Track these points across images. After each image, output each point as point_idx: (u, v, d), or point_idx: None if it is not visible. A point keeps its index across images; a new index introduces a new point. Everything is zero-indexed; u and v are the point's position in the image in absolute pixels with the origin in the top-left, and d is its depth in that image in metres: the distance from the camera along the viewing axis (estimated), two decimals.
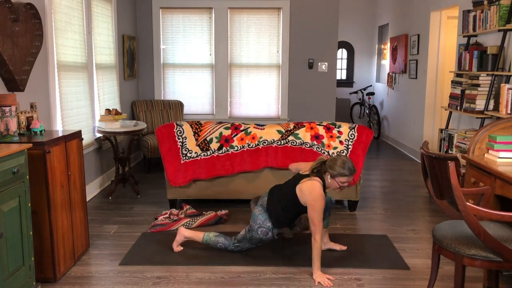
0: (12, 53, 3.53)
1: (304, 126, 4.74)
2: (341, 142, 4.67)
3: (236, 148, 4.66)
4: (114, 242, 3.99)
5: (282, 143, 4.65)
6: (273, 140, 4.67)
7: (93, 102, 5.54)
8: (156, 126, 6.94)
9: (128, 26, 6.95)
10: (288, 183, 3.53)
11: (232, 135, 4.70)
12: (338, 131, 4.72)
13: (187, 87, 7.55)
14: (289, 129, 4.73)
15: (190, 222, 4.34)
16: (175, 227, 4.26)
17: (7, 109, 3.17)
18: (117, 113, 5.26)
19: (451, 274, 3.39)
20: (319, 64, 7.46)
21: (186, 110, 7.52)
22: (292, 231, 3.86)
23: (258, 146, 4.66)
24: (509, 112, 4.44)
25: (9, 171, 2.68)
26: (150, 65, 7.48)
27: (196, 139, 4.70)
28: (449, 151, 5.41)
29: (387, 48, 9.54)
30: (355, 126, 4.77)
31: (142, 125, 5.50)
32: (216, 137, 4.69)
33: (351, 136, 4.69)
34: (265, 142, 4.67)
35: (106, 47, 5.93)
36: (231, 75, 7.53)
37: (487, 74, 4.93)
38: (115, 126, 5.16)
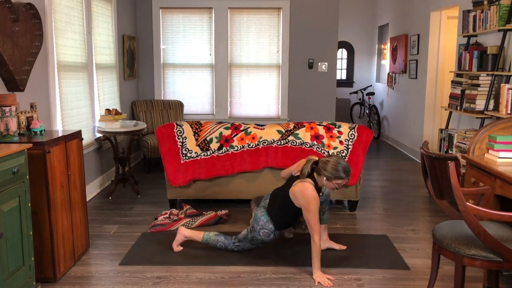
0: (12, 53, 3.53)
1: (304, 126, 4.74)
2: (341, 142, 4.67)
3: (236, 148, 4.66)
4: (114, 242, 3.99)
5: (282, 143, 4.65)
6: (273, 140, 4.67)
7: (93, 102, 5.54)
8: (156, 126, 6.94)
9: (128, 26, 6.95)
10: (284, 186, 3.55)
11: (232, 135, 4.70)
12: (338, 131, 4.72)
13: (187, 87, 7.55)
14: (289, 129, 4.73)
15: (190, 222, 4.34)
16: (175, 227, 4.26)
17: (7, 109, 3.17)
18: (117, 113, 5.26)
19: (451, 274, 3.39)
20: (319, 64, 7.46)
21: (186, 110, 7.52)
22: (296, 230, 3.87)
23: (258, 146, 4.66)
24: (509, 112, 4.44)
25: (9, 171, 2.68)
26: (150, 65, 7.48)
27: (196, 139, 4.71)
28: (449, 151, 5.41)
29: (387, 48, 9.54)
30: (355, 126, 4.77)
31: (142, 125, 5.50)
32: (216, 137, 4.69)
33: (351, 136, 4.69)
34: (265, 142, 4.67)
35: (106, 47, 5.93)
36: (231, 75, 7.53)
37: (487, 74, 4.93)
38: (115, 126, 5.16)
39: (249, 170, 4.65)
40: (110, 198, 5.24)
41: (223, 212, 4.55)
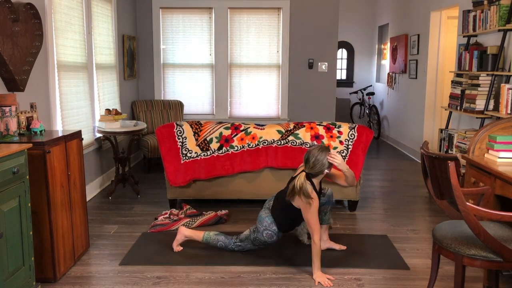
0: (12, 53, 3.53)
1: (304, 126, 4.74)
2: (341, 142, 4.67)
3: (236, 148, 4.66)
4: (114, 242, 3.99)
5: (282, 143, 4.65)
6: (273, 140, 4.67)
7: (93, 102, 5.54)
8: (156, 126, 6.94)
9: (128, 26, 6.95)
10: (285, 189, 3.55)
11: (232, 135, 4.70)
12: (338, 131, 4.72)
13: (187, 87, 7.55)
14: (289, 129, 4.73)
15: (190, 222, 4.34)
16: (175, 227, 4.26)
17: (7, 109, 3.17)
18: (117, 113, 5.26)
19: (451, 274, 3.39)
20: (319, 64, 7.46)
21: (186, 110, 7.52)
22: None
23: (258, 146, 4.66)
24: (509, 112, 4.44)
25: (9, 171, 2.68)
26: (150, 65, 7.48)
27: (196, 139, 4.71)
28: (449, 151, 5.41)
29: (387, 48, 9.54)
30: (355, 126, 4.77)
31: (142, 125, 5.50)
32: (216, 137, 4.69)
33: (351, 136, 4.69)
34: (265, 142, 4.67)
35: (106, 47, 5.93)
36: (231, 75, 7.53)
37: (487, 74, 4.93)
38: (115, 126, 5.16)
39: (249, 170, 4.65)
40: (110, 198, 5.24)
41: (223, 212, 4.55)
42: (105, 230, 4.26)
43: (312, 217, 3.28)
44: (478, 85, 4.97)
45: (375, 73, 10.47)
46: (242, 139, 4.68)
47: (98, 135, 5.47)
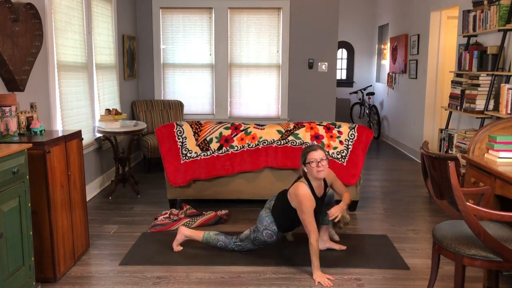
0: (12, 53, 3.53)
1: (304, 126, 4.74)
2: (341, 142, 4.67)
3: (236, 148, 4.66)
4: (114, 242, 3.99)
5: (282, 143, 4.65)
6: (273, 140, 4.67)
7: (93, 102, 5.54)
8: (156, 126, 6.94)
9: (128, 26, 6.95)
10: (286, 191, 3.58)
11: (232, 135, 4.70)
12: (338, 131, 4.72)
13: (187, 87, 7.55)
14: (289, 129, 4.73)
15: (190, 222, 4.34)
16: (175, 227, 4.26)
17: (7, 109, 3.17)
18: (117, 113, 5.26)
19: (451, 274, 3.39)
20: (319, 64, 7.46)
21: (186, 110, 7.52)
22: (336, 227, 3.91)
23: (258, 146, 4.66)
24: (509, 112, 4.44)
25: (9, 171, 2.68)
26: (150, 65, 7.48)
27: (196, 139, 4.70)
28: (449, 151, 5.41)
29: (387, 48, 9.54)
30: (355, 126, 4.77)
31: (142, 125, 5.50)
32: (216, 137, 4.69)
33: (351, 136, 4.69)
34: (265, 142, 4.67)
35: (106, 47, 5.93)
36: (231, 75, 7.53)
37: (487, 74, 4.93)
38: (115, 126, 5.16)
39: (249, 170, 4.65)
40: (110, 198, 5.24)
41: (223, 212, 4.55)
42: (105, 230, 4.26)
43: (307, 217, 3.29)
44: (478, 85, 4.97)
45: (375, 73, 10.47)
46: (242, 139, 4.68)
47: (98, 135, 5.47)
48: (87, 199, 5.12)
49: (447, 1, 6.43)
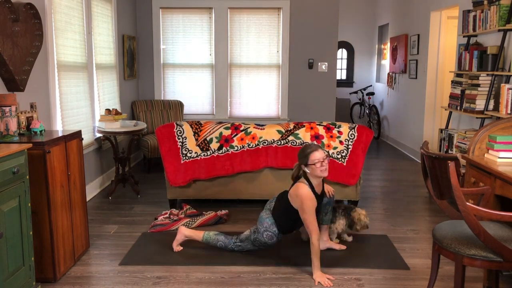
0: (12, 53, 3.53)
1: (304, 126, 4.74)
2: (341, 142, 4.67)
3: (236, 148, 4.66)
4: (114, 242, 3.99)
5: (282, 143, 4.65)
6: (273, 140, 4.67)
7: (93, 102, 5.54)
8: (156, 126, 6.94)
9: (128, 26, 6.95)
10: (286, 191, 3.57)
11: (232, 135, 4.70)
12: (338, 131, 4.72)
13: (187, 87, 7.55)
14: (289, 129, 4.73)
15: (190, 222, 4.34)
16: (175, 227, 4.26)
17: (7, 109, 3.17)
18: (117, 113, 5.26)
19: (451, 274, 3.39)
20: (319, 64, 7.46)
21: (186, 110, 7.52)
22: (352, 230, 3.91)
23: (258, 146, 4.66)
24: (509, 112, 4.44)
25: (9, 171, 2.68)
26: (150, 65, 7.48)
27: (196, 139, 4.70)
28: (449, 151, 5.41)
29: (387, 48, 9.54)
30: (355, 126, 4.77)
31: (142, 125, 5.50)
32: (216, 137, 4.69)
33: (351, 136, 4.69)
34: (265, 142, 4.67)
35: (106, 47, 5.93)
36: (231, 75, 7.53)
37: (487, 74, 4.93)
38: (115, 126, 5.16)
39: (249, 170, 4.65)
40: (110, 198, 5.24)
41: (223, 212, 4.55)
42: (105, 230, 4.26)
43: (308, 217, 3.29)
44: (478, 85, 4.97)
45: (375, 73, 10.47)
46: (242, 139, 4.68)
47: (98, 135, 5.47)
48: (87, 199, 5.12)
49: (447, 1, 6.43)
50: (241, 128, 4.75)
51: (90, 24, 5.36)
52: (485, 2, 5.04)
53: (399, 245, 3.96)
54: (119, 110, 6.42)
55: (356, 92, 10.44)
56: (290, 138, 4.66)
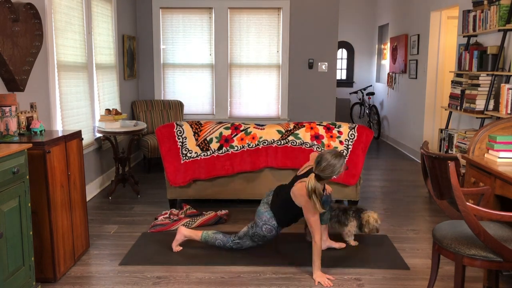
0: (12, 53, 3.53)
1: (304, 126, 4.74)
2: (341, 142, 4.67)
3: (236, 148, 4.66)
4: (114, 242, 3.99)
5: (282, 143, 4.65)
6: (273, 140, 4.67)
7: (93, 102, 5.54)
8: (156, 126, 6.94)
9: (128, 26, 6.95)
10: (288, 185, 3.55)
11: (232, 135, 4.70)
12: (338, 131, 4.72)
13: (187, 87, 7.55)
14: (289, 129, 4.73)
15: (190, 222, 4.34)
16: (175, 227, 4.26)
17: (7, 109, 3.17)
18: (117, 113, 5.26)
19: (451, 274, 3.39)
20: (319, 64, 7.46)
21: (186, 110, 7.52)
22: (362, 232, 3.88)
23: (258, 146, 4.66)
24: (509, 112, 4.44)
25: (9, 171, 2.68)
26: (150, 65, 7.48)
27: (196, 139, 4.71)
28: (449, 151, 5.41)
29: (387, 48, 9.54)
30: (355, 126, 4.77)
31: (142, 125, 5.50)
32: (216, 137, 4.69)
33: (351, 136, 4.69)
34: (265, 142, 4.67)
35: (106, 47, 5.93)
36: (231, 75, 7.53)
37: (487, 74, 4.93)
38: (115, 126, 5.16)
39: (249, 170, 4.65)
40: (110, 198, 5.24)
41: (223, 212, 4.55)
42: (105, 230, 4.26)
43: (312, 216, 3.28)
44: (478, 85, 4.97)
45: (375, 73, 10.47)
46: (242, 139, 4.68)
47: (98, 135, 5.47)
48: (87, 199, 5.12)
49: (447, 1, 6.43)
50: (241, 128, 4.75)
51: (90, 24, 5.36)
52: (485, 2, 5.04)
53: (399, 245, 3.96)
54: (119, 110, 6.42)
55: (356, 92, 10.44)
56: (290, 138, 4.66)
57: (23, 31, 3.67)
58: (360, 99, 10.51)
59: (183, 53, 7.48)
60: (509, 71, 4.75)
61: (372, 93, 10.15)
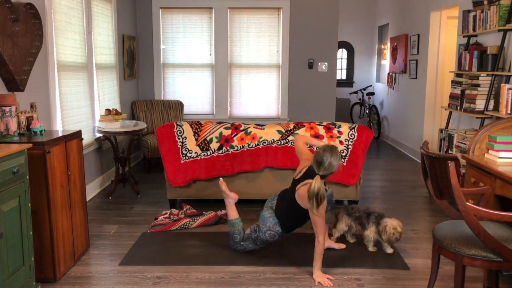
0: (12, 53, 3.53)
1: (304, 126, 4.74)
2: (341, 142, 4.67)
3: (236, 148, 4.66)
4: (114, 242, 3.99)
5: (282, 143, 4.65)
6: (273, 140, 4.67)
7: (93, 102, 5.54)
8: (156, 126, 6.94)
9: (128, 26, 6.95)
10: (289, 189, 3.55)
11: (232, 135, 4.70)
12: (338, 131, 4.72)
13: (187, 87, 7.55)
14: (289, 129, 4.73)
15: (190, 222, 4.34)
16: (175, 227, 4.26)
17: (7, 109, 3.17)
18: (117, 113, 5.26)
19: (451, 274, 3.39)
20: (319, 64, 7.46)
21: (186, 110, 7.52)
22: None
23: (258, 146, 4.66)
24: (509, 112, 4.44)
25: (9, 171, 2.68)
26: (150, 65, 7.48)
27: (196, 139, 4.71)
28: (449, 151, 5.41)
29: (387, 48, 9.54)
30: (355, 126, 4.77)
31: (142, 125, 5.50)
32: (216, 137, 4.69)
33: (351, 136, 4.69)
34: (265, 142, 4.67)
35: (106, 47, 5.93)
36: (231, 75, 7.53)
37: (487, 74, 4.93)
38: (115, 126, 5.16)
39: (249, 170, 4.65)
40: (110, 198, 5.24)
41: (223, 212, 4.54)
42: (105, 230, 4.26)
43: (320, 218, 3.29)
44: (478, 85, 4.97)
45: (375, 73, 10.47)
46: (242, 139, 4.68)
47: (98, 135, 5.47)
48: (87, 199, 5.12)
49: (447, 1, 6.43)
50: (241, 128, 4.75)
51: (90, 24, 5.36)
52: (485, 2, 5.04)
53: (399, 245, 3.96)
54: (119, 110, 6.42)
55: (356, 92, 10.44)
56: (290, 138, 4.66)
57: (23, 31, 3.67)
58: (360, 99, 10.51)
59: (183, 53, 7.48)
60: (509, 71, 4.75)
61: (372, 93, 10.15)
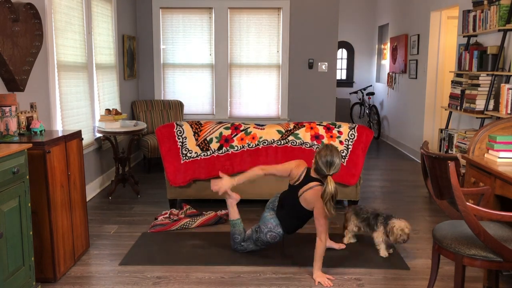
0: (12, 53, 3.53)
1: (304, 126, 4.74)
2: (341, 142, 4.67)
3: (236, 148, 4.66)
4: (114, 242, 3.99)
5: (282, 143, 4.65)
6: (273, 140, 4.67)
7: (93, 102, 5.54)
8: (156, 126, 6.94)
9: (128, 26, 6.95)
10: (290, 195, 3.51)
11: (232, 135, 4.70)
12: (338, 131, 4.72)
13: (187, 87, 7.55)
14: (289, 129, 4.73)
15: (190, 222, 4.34)
16: (175, 227, 4.26)
17: (7, 109, 3.17)
18: (117, 113, 5.26)
19: (451, 274, 3.39)
20: (319, 64, 7.46)
21: (186, 110, 7.52)
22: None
23: (258, 146, 4.66)
24: (509, 112, 4.44)
25: (9, 171, 2.68)
26: (150, 65, 7.48)
27: (196, 139, 4.70)
28: (449, 151, 5.41)
29: (387, 48, 9.54)
30: (355, 126, 4.77)
31: (142, 125, 5.50)
32: (216, 137, 4.69)
33: (351, 136, 4.69)
34: (265, 142, 4.67)
35: (106, 47, 5.93)
36: (231, 75, 7.53)
37: (487, 74, 4.93)
38: (115, 126, 5.16)
39: None
40: (110, 198, 5.24)
41: (223, 212, 4.55)
42: (105, 230, 4.26)
43: (324, 219, 3.28)
44: (478, 85, 4.97)
45: (375, 73, 10.47)
46: (242, 139, 4.68)
47: (98, 135, 5.47)
48: (87, 199, 5.12)
49: (447, 1, 6.43)
50: (241, 128, 4.75)
51: (90, 24, 5.36)
52: (485, 2, 5.04)
53: (399, 245, 3.96)
54: (119, 110, 6.42)
55: (356, 92, 10.44)
56: (290, 138, 4.66)
57: (23, 31, 3.67)
58: (360, 99, 10.51)
59: (183, 53, 7.48)
60: (509, 71, 4.75)
61: (372, 93, 10.15)
